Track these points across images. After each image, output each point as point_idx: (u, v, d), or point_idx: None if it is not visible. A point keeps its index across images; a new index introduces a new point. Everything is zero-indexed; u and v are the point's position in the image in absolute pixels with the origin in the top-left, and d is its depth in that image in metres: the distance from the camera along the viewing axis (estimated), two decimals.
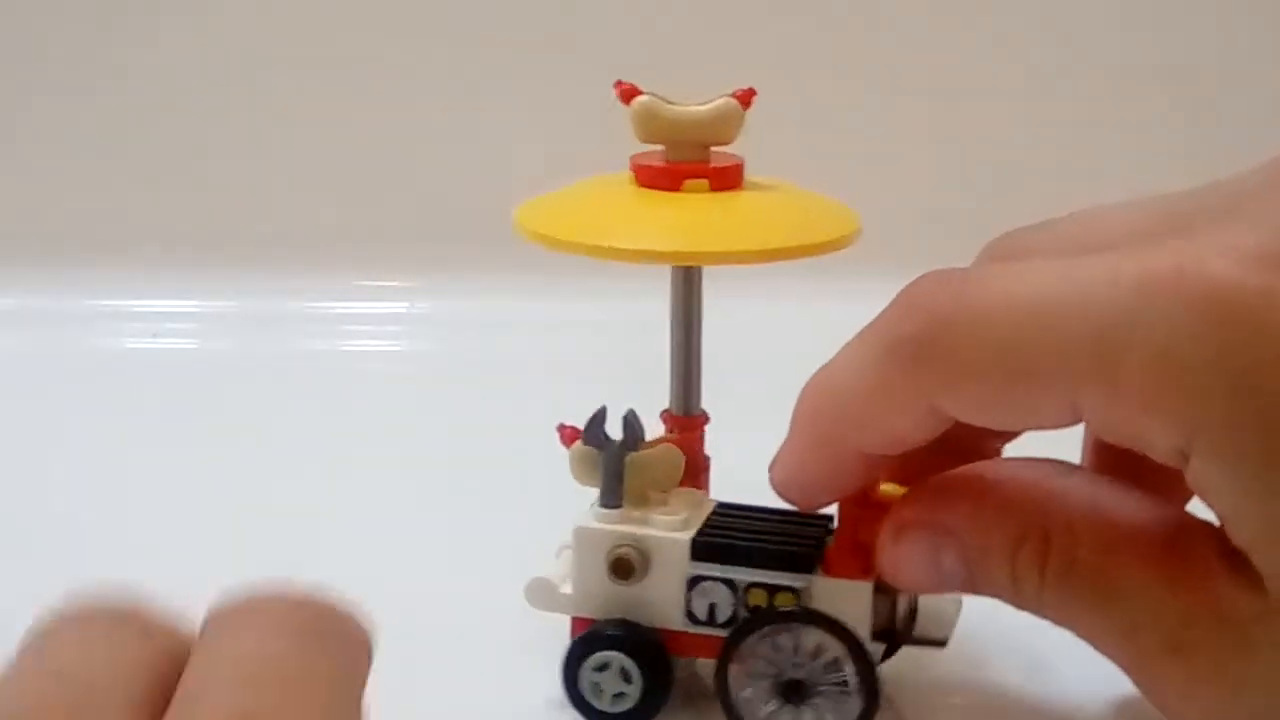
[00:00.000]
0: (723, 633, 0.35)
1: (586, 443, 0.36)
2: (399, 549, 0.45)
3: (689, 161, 0.36)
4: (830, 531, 0.36)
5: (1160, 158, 0.62)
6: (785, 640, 0.35)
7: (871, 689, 0.35)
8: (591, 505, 0.36)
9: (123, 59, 0.69)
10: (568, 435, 0.36)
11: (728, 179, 0.37)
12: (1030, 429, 0.33)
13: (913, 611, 0.38)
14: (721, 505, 0.37)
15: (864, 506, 0.35)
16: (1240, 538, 0.30)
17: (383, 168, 0.70)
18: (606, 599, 0.36)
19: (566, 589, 0.37)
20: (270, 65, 0.70)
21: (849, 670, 0.35)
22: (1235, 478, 0.29)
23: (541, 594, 0.37)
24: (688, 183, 0.36)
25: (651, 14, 0.70)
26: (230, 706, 0.21)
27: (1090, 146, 0.70)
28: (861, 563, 0.35)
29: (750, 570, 0.35)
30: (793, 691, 0.35)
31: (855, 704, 0.35)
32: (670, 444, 0.37)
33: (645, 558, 0.35)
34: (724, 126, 0.36)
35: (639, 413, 0.36)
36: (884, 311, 0.33)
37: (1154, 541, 0.32)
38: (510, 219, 0.37)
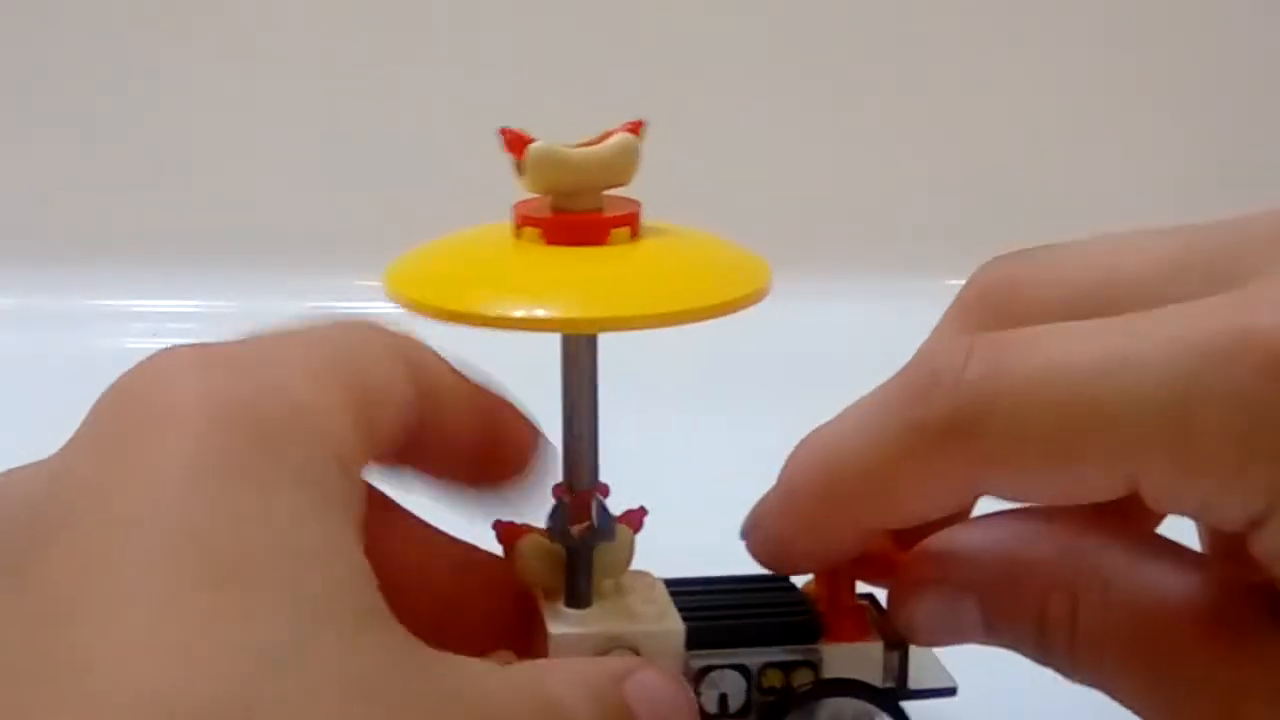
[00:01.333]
0: None
1: (555, 539, 0.32)
2: None
3: (589, 211, 0.32)
4: (793, 589, 0.34)
5: (1158, 170, 0.62)
6: (822, 715, 0.32)
7: None
8: (552, 608, 0.32)
9: (123, 60, 0.70)
10: (507, 533, 0.32)
11: (634, 226, 0.32)
12: (1076, 503, 0.30)
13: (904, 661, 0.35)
14: (671, 582, 0.33)
15: (855, 564, 0.32)
16: None
17: (383, 168, 0.70)
18: None
19: None
20: (271, 66, 0.71)
21: None
22: None
23: None
24: (614, 233, 0.31)
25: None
26: None
27: (1088, 151, 0.70)
28: (860, 623, 0.33)
29: (758, 650, 0.32)
30: None
31: None
32: (622, 525, 0.33)
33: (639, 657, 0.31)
34: (624, 167, 0.31)
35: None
36: (900, 378, 0.30)
37: (1200, 604, 0.29)
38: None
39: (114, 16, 0.71)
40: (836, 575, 0.33)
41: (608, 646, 0.31)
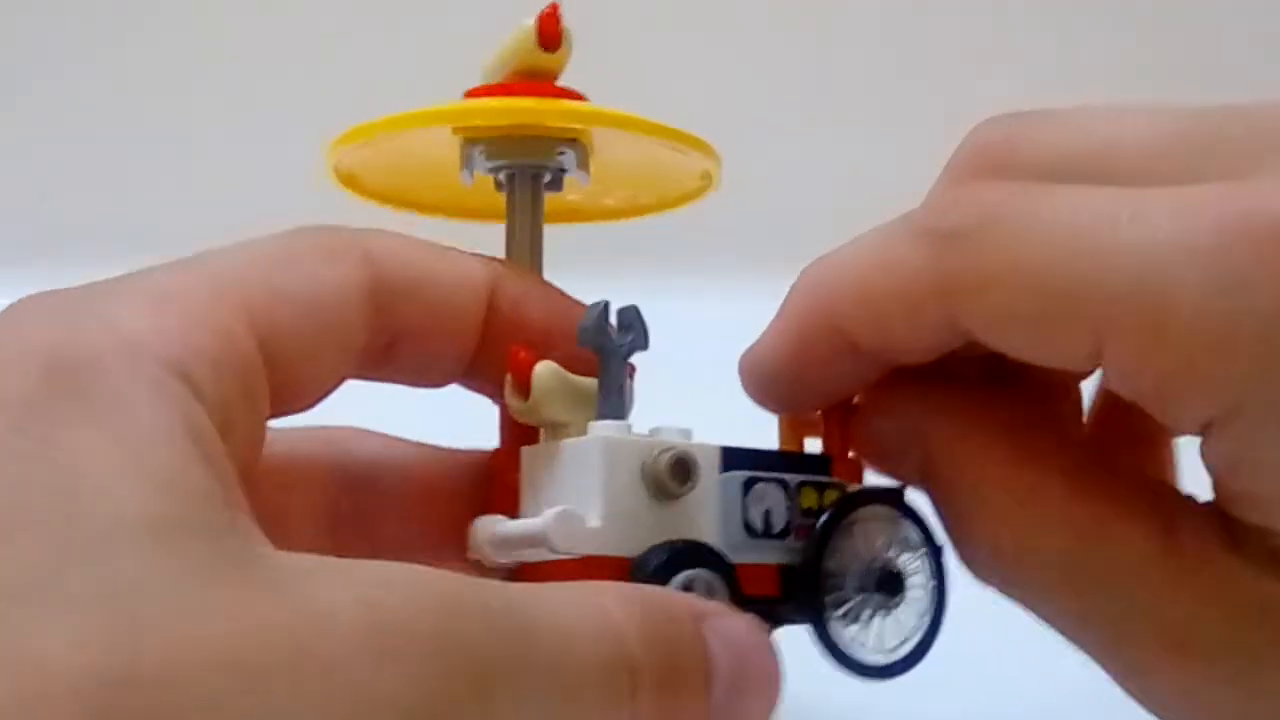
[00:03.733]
0: (776, 555, 0.30)
1: (589, 344, 0.29)
2: None
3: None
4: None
5: None
6: (874, 529, 0.31)
7: (944, 586, 0.31)
8: (579, 427, 0.29)
9: (123, 60, 0.70)
10: (525, 360, 0.30)
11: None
12: (1036, 362, 0.29)
13: None
14: None
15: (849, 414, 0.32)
16: (1274, 518, 0.27)
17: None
18: (648, 525, 0.29)
19: (594, 522, 0.28)
20: (271, 66, 0.71)
21: (928, 567, 0.31)
22: None
23: (569, 532, 0.28)
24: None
25: None
26: None
27: None
28: (858, 469, 0.32)
29: (791, 472, 0.30)
30: (888, 584, 0.30)
31: (930, 602, 0.31)
32: None
33: (697, 468, 0.29)
34: None
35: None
36: (928, 199, 0.30)
37: (1148, 526, 0.28)
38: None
39: (114, 17, 0.70)
40: (831, 423, 0.32)
41: (665, 449, 0.28)
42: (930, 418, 0.31)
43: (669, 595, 0.27)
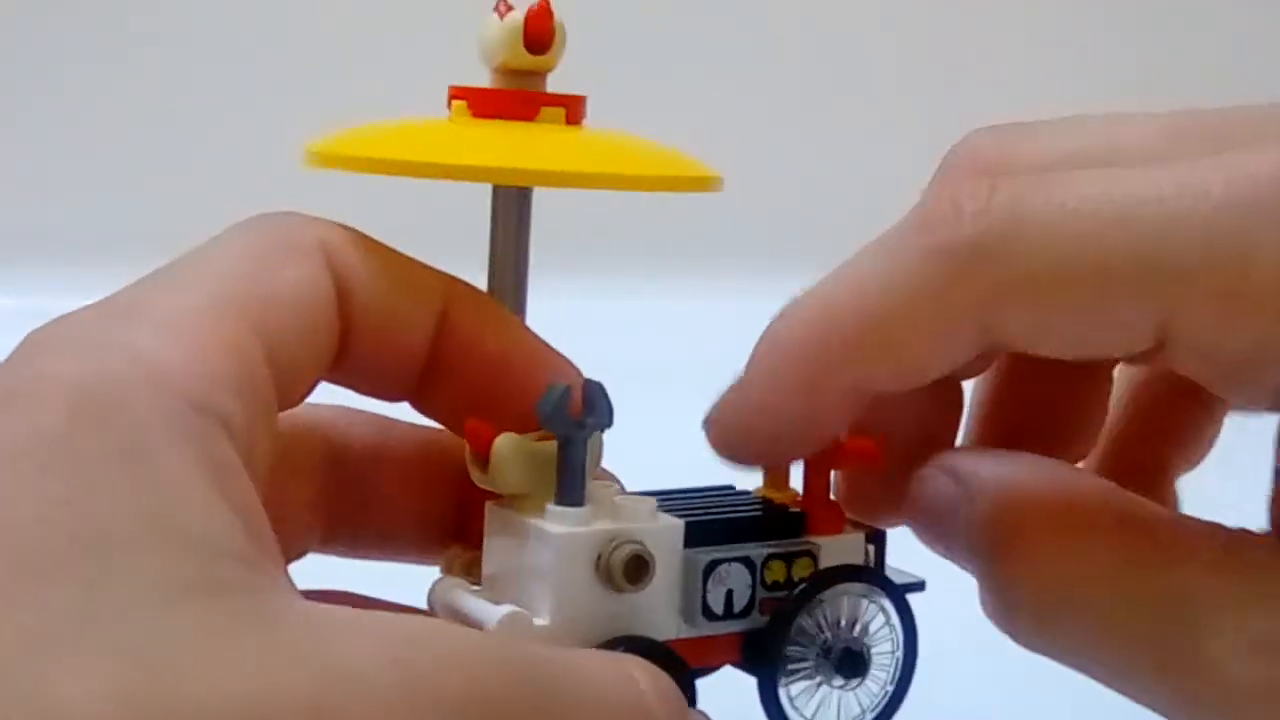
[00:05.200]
0: (739, 626, 0.29)
1: (548, 426, 0.28)
2: None
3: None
4: (748, 493, 0.31)
5: None
6: (834, 610, 0.30)
7: (915, 642, 0.31)
8: (537, 512, 0.29)
9: (124, 59, 0.70)
10: (482, 434, 0.29)
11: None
12: (1091, 353, 0.28)
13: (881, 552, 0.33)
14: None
15: (834, 456, 0.30)
16: None
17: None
18: (598, 619, 0.28)
19: (542, 620, 0.28)
20: (271, 66, 0.69)
21: (895, 625, 0.30)
22: None
23: (516, 634, 0.28)
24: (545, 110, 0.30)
25: None
26: None
27: None
28: (839, 515, 0.31)
29: (758, 544, 0.29)
30: (850, 665, 0.30)
31: (899, 660, 0.31)
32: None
33: (654, 565, 0.28)
34: None
35: None
36: (910, 218, 0.27)
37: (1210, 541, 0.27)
38: None
39: (116, 17, 0.70)
40: (813, 468, 0.31)
41: (620, 541, 0.28)
42: (978, 475, 0.29)
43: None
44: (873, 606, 0.30)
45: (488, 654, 0.23)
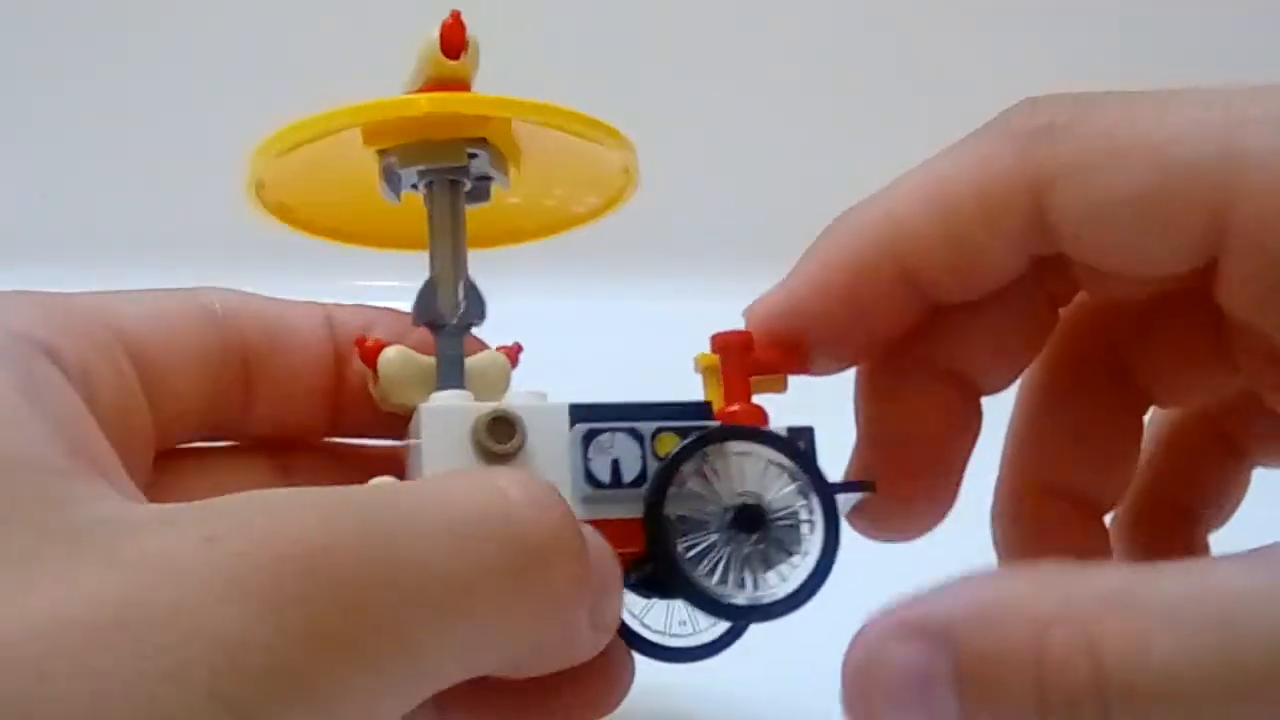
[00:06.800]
0: (637, 498, 0.28)
1: (420, 322, 0.30)
2: None
3: None
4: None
5: None
6: (730, 465, 0.29)
7: (835, 524, 0.29)
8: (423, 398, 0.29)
9: (125, 59, 0.70)
10: (370, 350, 0.30)
11: None
12: (1133, 272, 0.27)
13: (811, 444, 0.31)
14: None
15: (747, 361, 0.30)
16: None
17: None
18: None
19: None
20: (270, 66, 0.70)
21: (810, 503, 0.29)
22: None
23: None
24: None
25: None
26: None
27: None
28: (758, 415, 0.30)
29: (652, 422, 0.29)
30: (746, 522, 0.28)
31: (816, 541, 0.29)
32: (499, 353, 0.31)
33: (520, 424, 0.28)
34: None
35: None
36: (979, 130, 0.28)
37: None
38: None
39: (118, 15, 0.71)
40: (731, 372, 0.30)
41: (489, 412, 0.28)
42: None
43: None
44: (784, 475, 0.29)
45: (307, 511, 0.22)
